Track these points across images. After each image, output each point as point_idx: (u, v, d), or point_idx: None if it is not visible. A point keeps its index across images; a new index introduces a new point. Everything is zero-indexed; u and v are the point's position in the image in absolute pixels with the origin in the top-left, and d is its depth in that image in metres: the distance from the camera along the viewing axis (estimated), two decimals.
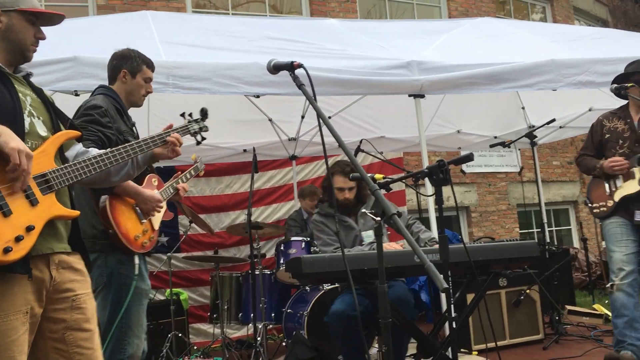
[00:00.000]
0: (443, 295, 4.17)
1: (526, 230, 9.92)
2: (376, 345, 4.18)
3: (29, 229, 1.78)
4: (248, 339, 5.74)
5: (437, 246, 3.40)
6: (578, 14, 12.04)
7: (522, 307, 4.99)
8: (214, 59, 3.96)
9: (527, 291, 5.01)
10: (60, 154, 2.04)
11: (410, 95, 4.40)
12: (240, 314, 5.14)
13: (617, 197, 3.66)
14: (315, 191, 5.73)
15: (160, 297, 5.95)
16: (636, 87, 3.66)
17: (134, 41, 4.02)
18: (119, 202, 2.76)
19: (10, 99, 1.89)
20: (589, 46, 5.25)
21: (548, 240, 6.50)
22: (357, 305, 2.38)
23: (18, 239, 1.74)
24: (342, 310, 3.66)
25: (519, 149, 8.54)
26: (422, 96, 4.40)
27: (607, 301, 3.69)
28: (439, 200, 2.97)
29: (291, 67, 2.34)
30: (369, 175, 2.19)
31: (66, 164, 1.98)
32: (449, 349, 3.51)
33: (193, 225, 5.61)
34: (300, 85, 2.30)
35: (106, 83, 3.10)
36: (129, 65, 3.01)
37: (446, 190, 3.04)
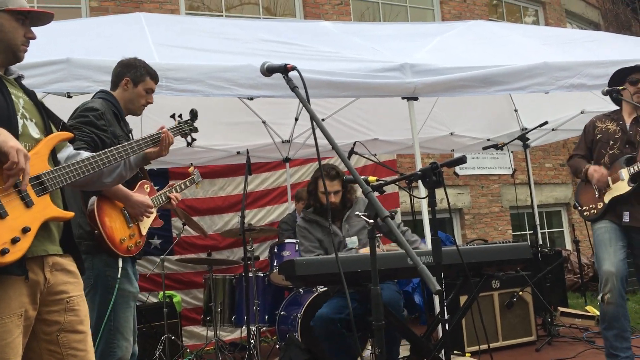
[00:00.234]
0: (436, 298, 4.19)
1: (519, 232, 9.96)
2: (369, 348, 4.18)
3: (25, 230, 1.78)
4: (241, 342, 5.73)
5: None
6: (570, 17, 12.10)
7: (514, 309, 5.01)
8: (207, 61, 3.96)
9: (520, 293, 5.03)
10: (53, 156, 2.04)
11: (403, 98, 4.41)
12: (233, 317, 5.13)
13: (607, 198, 3.65)
14: None
15: (153, 299, 5.93)
16: (627, 90, 3.68)
17: (127, 43, 4.04)
18: (107, 204, 2.77)
19: (4, 101, 1.90)
20: (581, 49, 5.28)
21: (540, 242, 6.52)
22: (351, 308, 2.37)
23: (14, 241, 1.74)
24: (325, 313, 3.67)
25: (512, 152, 8.55)
26: (416, 99, 4.42)
27: (599, 303, 3.69)
28: (432, 203, 2.98)
29: (285, 69, 2.34)
30: (362, 177, 2.19)
31: (60, 166, 1.98)
32: (442, 351, 3.53)
33: (186, 227, 5.60)
34: (293, 88, 2.30)
35: (99, 85, 3.12)
36: (132, 74, 3.03)
37: (439, 193, 3.05)
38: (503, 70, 4.45)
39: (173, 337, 5.13)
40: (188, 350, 5.77)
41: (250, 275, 4.90)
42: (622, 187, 3.60)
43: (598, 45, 5.45)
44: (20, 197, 1.81)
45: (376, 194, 3.29)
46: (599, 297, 3.59)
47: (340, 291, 3.79)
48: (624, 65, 3.89)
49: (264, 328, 5.36)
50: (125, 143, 2.32)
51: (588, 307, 5.96)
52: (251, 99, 4.25)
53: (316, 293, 4.64)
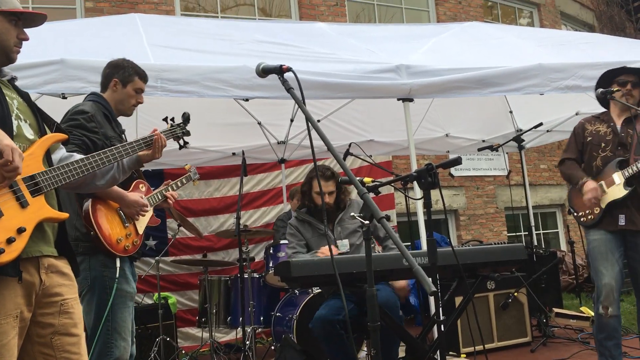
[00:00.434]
0: (431, 299, 4.18)
1: (514, 234, 9.98)
2: (365, 349, 4.18)
3: (20, 230, 1.78)
4: (237, 343, 5.72)
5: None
6: (565, 18, 12.14)
7: (510, 310, 5.02)
8: (202, 62, 3.95)
9: (515, 294, 5.04)
10: (47, 157, 2.04)
11: (399, 99, 4.41)
12: (229, 318, 5.12)
13: (604, 203, 3.60)
14: None
15: (148, 301, 5.91)
16: (621, 91, 3.67)
17: (123, 44, 4.03)
18: (102, 205, 2.78)
19: None
20: (575, 51, 5.29)
21: (535, 243, 6.53)
22: (346, 309, 2.37)
23: (10, 241, 1.74)
24: (324, 315, 3.67)
25: (507, 153, 8.57)
26: (411, 100, 4.42)
27: (592, 303, 3.69)
28: (427, 204, 2.98)
29: (280, 70, 2.34)
30: (357, 178, 2.19)
31: (54, 167, 1.98)
32: (438, 352, 3.53)
33: (181, 228, 5.60)
34: (289, 89, 2.30)
35: (93, 86, 3.13)
36: (120, 75, 3.04)
37: (435, 194, 3.05)
38: (498, 71, 4.45)
39: (168, 339, 5.12)
40: (183, 351, 5.75)
41: (246, 276, 4.89)
42: (617, 192, 3.56)
43: (592, 47, 5.46)
44: (15, 197, 1.80)
45: (371, 195, 3.30)
46: (600, 311, 3.55)
47: (336, 293, 3.79)
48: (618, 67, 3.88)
49: (260, 329, 5.36)
50: (118, 145, 2.33)
51: (583, 308, 5.97)
52: (246, 100, 4.24)
53: (312, 294, 4.63)
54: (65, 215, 1.97)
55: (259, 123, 6.09)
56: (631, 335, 4.87)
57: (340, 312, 3.66)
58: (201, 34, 4.76)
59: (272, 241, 5.69)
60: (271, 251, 5.13)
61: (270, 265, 5.03)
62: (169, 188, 3.23)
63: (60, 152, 2.17)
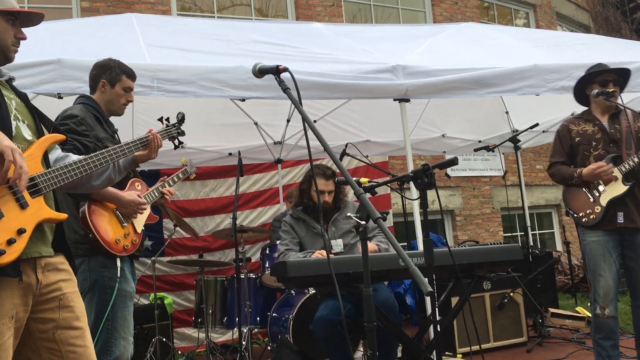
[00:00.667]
0: (428, 299, 4.19)
1: (510, 234, 9.99)
2: (361, 349, 4.18)
3: (20, 231, 1.78)
4: (233, 343, 5.72)
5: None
6: (561, 19, 12.17)
7: (506, 310, 5.03)
8: (199, 62, 3.95)
9: (511, 294, 5.05)
10: (45, 158, 2.04)
11: (395, 100, 4.41)
12: (225, 318, 5.11)
13: (604, 201, 3.54)
14: None
15: (144, 301, 5.91)
16: (617, 92, 3.66)
17: (119, 44, 4.02)
18: (98, 207, 2.78)
19: None
20: (571, 51, 5.31)
21: (531, 243, 6.55)
22: (342, 310, 2.37)
23: (10, 242, 1.74)
24: (325, 316, 3.67)
25: (503, 153, 8.60)
26: (407, 100, 4.42)
27: (589, 304, 3.70)
28: (423, 204, 2.99)
29: (276, 70, 2.34)
30: (354, 179, 2.19)
31: (53, 168, 1.98)
32: (434, 352, 3.53)
33: (178, 229, 5.58)
34: (285, 89, 2.30)
35: (89, 86, 3.12)
36: (107, 75, 3.03)
37: (431, 194, 3.06)
38: (494, 72, 4.46)
39: (164, 339, 5.11)
40: (179, 352, 5.75)
41: (242, 276, 4.89)
42: (618, 188, 3.51)
43: (588, 48, 5.48)
44: (15, 198, 1.80)
45: (368, 195, 3.30)
46: (597, 311, 3.54)
47: (333, 293, 3.79)
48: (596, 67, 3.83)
49: (256, 330, 5.35)
50: (115, 146, 2.33)
51: (578, 308, 5.99)
52: (243, 100, 4.24)
53: (308, 294, 4.63)
54: (64, 215, 1.97)
55: (256, 123, 6.08)
56: (626, 335, 4.88)
57: (340, 312, 3.66)
58: (198, 34, 4.75)
59: (268, 242, 5.68)
60: (267, 251, 5.13)
61: (267, 265, 5.03)
62: (165, 184, 3.22)
63: (56, 153, 2.17)
